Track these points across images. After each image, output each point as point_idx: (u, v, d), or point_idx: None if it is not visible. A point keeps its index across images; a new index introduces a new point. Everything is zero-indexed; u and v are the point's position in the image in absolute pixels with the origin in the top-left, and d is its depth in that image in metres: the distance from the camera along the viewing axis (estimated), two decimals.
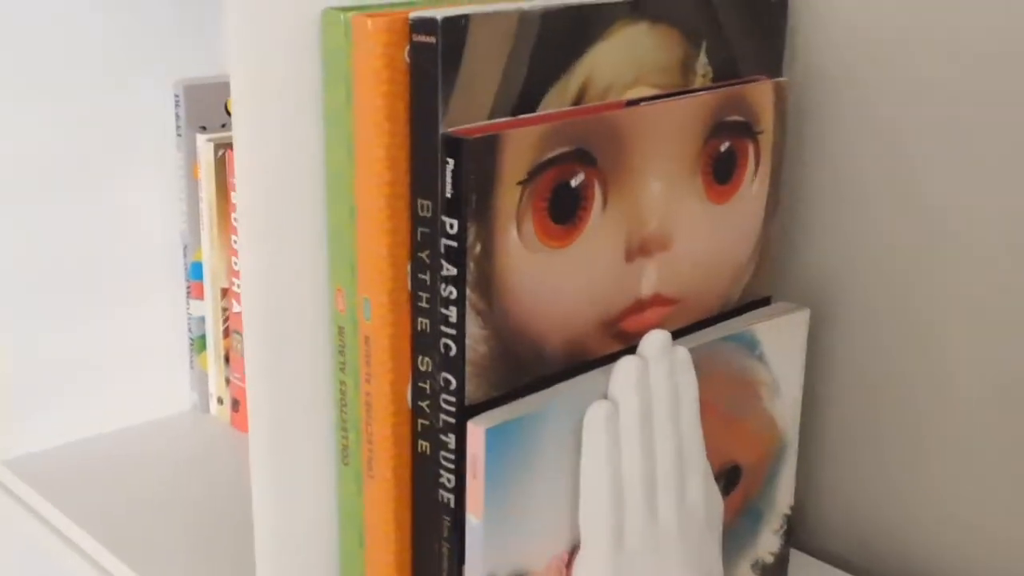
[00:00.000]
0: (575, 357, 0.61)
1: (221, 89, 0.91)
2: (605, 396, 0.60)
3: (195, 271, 0.94)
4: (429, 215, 0.55)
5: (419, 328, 0.57)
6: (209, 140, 0.89)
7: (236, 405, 0.94)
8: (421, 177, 0.55)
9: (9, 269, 0.87)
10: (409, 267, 0.57)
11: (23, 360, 0.89)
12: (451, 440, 0.57)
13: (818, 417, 0.80)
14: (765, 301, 0.72)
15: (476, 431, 0.56)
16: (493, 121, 0.56)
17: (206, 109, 0.91)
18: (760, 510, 0.72)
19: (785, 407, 0.71)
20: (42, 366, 0.90)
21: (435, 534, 0.59)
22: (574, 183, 0.58)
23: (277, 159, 0.56)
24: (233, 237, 0.90)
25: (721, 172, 0.65)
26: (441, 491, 0.58)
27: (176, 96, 0.90)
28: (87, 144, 0.88)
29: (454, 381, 0.56)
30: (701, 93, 0.63)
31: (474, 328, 0.55)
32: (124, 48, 0.88)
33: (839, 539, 0.81)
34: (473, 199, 0.54)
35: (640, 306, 0.63)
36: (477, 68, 0.54)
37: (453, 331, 0.55)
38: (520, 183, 0.55)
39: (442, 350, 0.56)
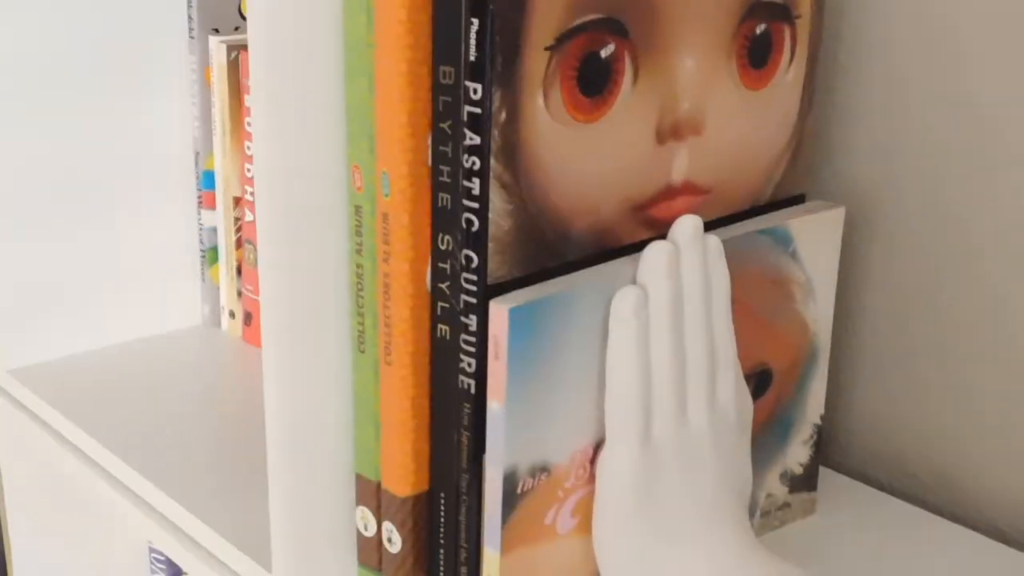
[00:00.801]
0: (603, 242, 0.59)
1: None
2: (634, 283, 0.58)
3: (207, 180, 0.92)
4: (451, 82, 0.52)
5: (440, 204, 0.54)
6: (222, 42, 0.87)
7: (248, 319, 0.92)
8: (443, 42, 0.52)
9: (22, 178, 0.85)
10: (430, 139, 0.54)
11: (33, 270, 0.87)
12: (472, 322, 0.54)
13: (851, 327, 0.78)
14: (799, 199, 0.69)
15: (499, 310, 0.53)
16: None
17: (219, 11, 0.89)
18: (791, 418, 0.70)
19: (818, 310, 0.69)
20: (51, 276, 0.88)
21: (454, 423, 0.56)
22: (604, 53, 0.55)
23: (294, 27, 0.53)
24: (247, 143, 0.88)
25: (757, 56, 0.63)
26: (461, 376, 0.56)
27: None
28: (98, 47, 0.86)
29: (476, 258, 0.54)
30: None
31: (498, 201, 0.53)
32: None
33: (869, 456, 0.79)
34: (498, 62, 0.51)
35: (671, 192, 0.61)
36: None
37: (476, 204, 0.53)
38: (548, 48, 0.53)
39: (464, 225, 0.53)
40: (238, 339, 0.93)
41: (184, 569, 0.70)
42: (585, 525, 0.60)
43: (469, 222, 0.53)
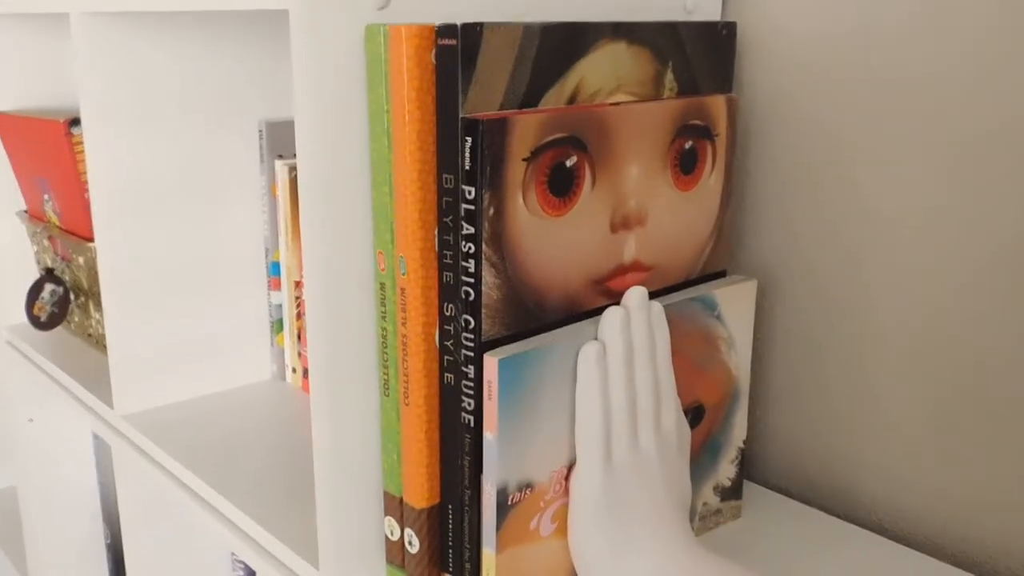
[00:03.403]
0: (572, 309, 0.56)
1: (291, 126, 0.88)
2: (596, 339, 0.56)
3: (274, 268, 0.90)
4: (452, 186, 0.51)
5: (444, 280, 0.52)
6: (284, 164, 0.85)
7: (307, 373, 0.89)
8: (445, 155, 0.51)
9: (142, 269, 0.83)
10: (436, 231, 0.52)
11: (145, 340, 0.85)
12: (471, 371, 0.52)
13: (767, 371, 0.75)
14: (722, 274, 0.67)
15: (491, 361, 0.51)
16: (503, 111, 0.51)
17: (283, 141, 0.88)
18: (720, 443, 0.67)
19: (739, 359, 0.67)
20: (158, 344, 0.86)
21: (458, 450, 0.54)
22: (568, 163, 0.53)
23: (333, 151, 0.52)
24: None
25: (686, 165, 0.61)
26: (463, 414, 0.53)
27: (260, 131, 0.87)
28: (197, 171, 0.85)
29: (473, 321, 0.51)
30: (669, 100, 0.59)
31: (488, 277, 0.51)
32: (223, 93, 0.85)
33: (784, 472, 0.76)
34: (487, 171, 0.49)
35: (623, 270, 0.59)
36: (490, 68, 0.50)
37: (471, 280, 0.51)
38: (525, 160, 0.51)
39: (463, 296, 0.51)
40: (299, 389, 0.91)
41: (257, 570, 0.67)
42: (562, 529, 0.57)
43: (467, 293, 0.51)
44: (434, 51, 0.50)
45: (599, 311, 0.58)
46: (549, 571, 0.57)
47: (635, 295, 0.57)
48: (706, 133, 0.62)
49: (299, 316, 0.89)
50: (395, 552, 0.59)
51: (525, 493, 0.54)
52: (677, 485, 0.60)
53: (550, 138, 0.52)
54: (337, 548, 0.58)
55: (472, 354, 0.52)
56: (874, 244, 0.67)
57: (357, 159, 0.53)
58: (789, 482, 0.75)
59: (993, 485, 0.63)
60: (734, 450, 0.69)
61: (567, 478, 0.57)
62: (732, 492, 0.69)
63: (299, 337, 0.89)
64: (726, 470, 0.68)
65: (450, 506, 0.55)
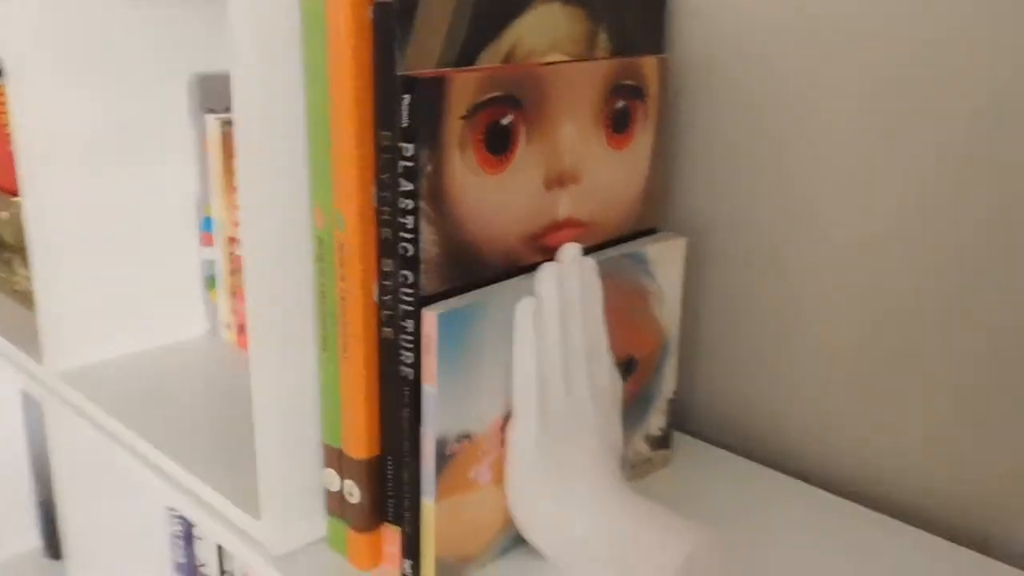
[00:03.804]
0: (509, 264, 0.58)
1: (225, 79, 0.87)
2: (531, 294, 0.57)
3: (206, 224, 0.89)
4: (389, 143, 0.51)
5: (383, 236, 0.53)
6: (216, 118, 0.85)
7: (242, 329, 0.89)
8: (383, 113, 0.51)
9: (70, 224, 0.82)
10: (374, 188, 0.53)
11: (79, 295, 0.84)
12: (410, 325, 0.53)
13: (696, 325, 0.78)
14: (652, 231, 0.69)
15: (429, 316, 0.52)
16: (440, 69, 0.52)
17: (214, 95, 0.86)
18: (651, 394, 0.70)
19: (669, 313, 0.69)
20: (92, 300, 0.85)
21: (398, 403, 0.55)
22: (504, 122, 0.54)
23: (268, 109, 0.52)
24: (236, 195, 0.86)
25: (618, 124, 0.62)
26: (402, 367, 0.54)
27: (190, 85, 0.85)
28: (125, 127, 0.83)
29: (411, 276, 0.52)
30: (603, 60, 0.60)
31: (427, 233, 0.52)
32: (152, 46, 0.83)
33: (713, 422, 0.79)
34: (425, 128, 0.50)
35: (557, 226, 0.60)
36: (427, 26, 0.51)
37: (410, 235, 0.52)
38: (462, 118, 0.52)
39: (401, 252, 0.52)
40: (234, 345, 0.91)
41: (198, 524, 0.67)
42: (499, 478, 0.59)
43: (405, 249, 0.52)
44: (371, 8, 0.50)
45: (534, 267, 0.59)
46: (486, 519, 0.59)
47: (569, 251, 0.58)
48: (638, 93, 0.63)
49: (233, 272, 0.89)
50: (335, 503, 0.60)
51: (463, 444, 0.56)
52: (609, 435, 0.62)
53: (487, 96, 0.53)
54: (278, 500, 0.59)
55: (411, 308, 0.53)
56: (795, 202, 0.69)
57: (294, 115, 0.53)
58: (717, 432, 0.78)
59: (915, 432, 0.67)
60: (664, 401, 0.71)
61: (503, 429, 0.58)
62: (662, 441, 0.72)
63: (234, 293, 0.89)
64: (656, 420, 0.71)
65: (389, 457, 0.57)
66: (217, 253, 0.89)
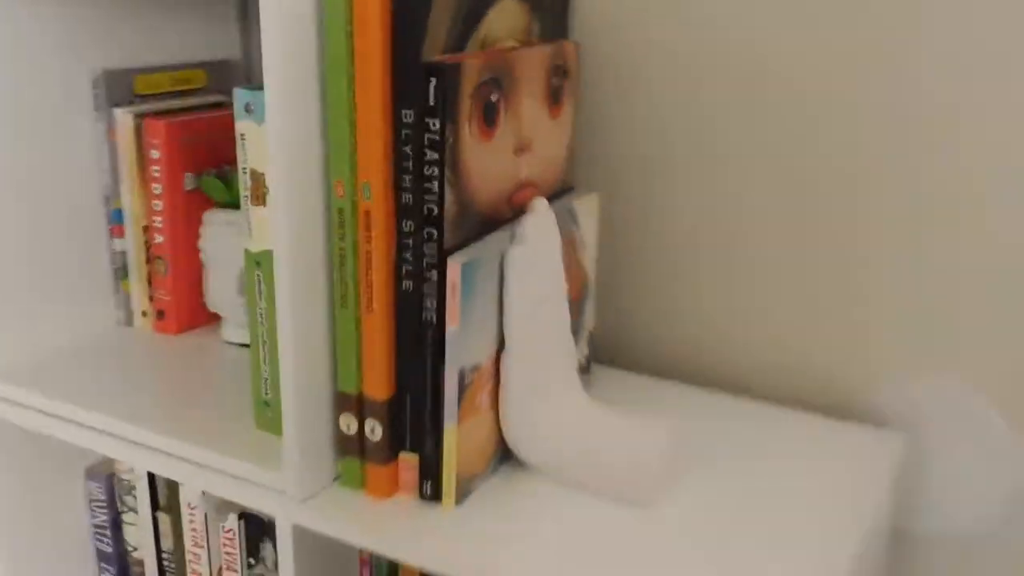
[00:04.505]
0: (491, 220, 0.68)
1: (128, 74, 0.89)
2: (511, 244, 0.68)
3: (116, 216, 0.91)
4: (411, 120, 0.60)
5: (403, 201, 0.62)
6: (128, 112, 0.87)
7: (161, 315, 0.92)
8: (404, 93, 0.60)
9: None
10: (394, 159, 0.61)
11: None
12: (433, 275, 0.62)
13: (613, 270, 0.91)
14: (570, 190, 0.81)
15: (454, 266, 0.61)
16: (457, 55, 0.61)
17: (118, 90, 0.88)
18: (577, 329, 0.82)
19: (589, 259, 0.81)
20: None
21: (421, 345, 0.64)
22: (493, 98, 0.64)
23: (296, 91, 0.59)
24: (154, 186, 0.88)
25: (555, 98, 0.74)
26: (425, 313, 0.63)
27: (95, 79, 0.87)
28: (27, 120, 0.83)
29: (435, 233, 0.61)
30: (545, 45, 0.72)
31: (448, 195, 0.61)
32: (55, 41, 0.84)
33: (630, 350, 0.92)
34: (448, 106, 0.59)
35: (520, 186, 0.71)
36: (437, 19, 0.60)
37: (435, 198, 0.61)
38: (470, 96, 0.61)
39: (426, 213, 0.61)
40: (150, 332, 0.93)
41: (222, 495, 0.71)
42: (494, 403, 0.69)
43: (430, 210, 0.61)
44: (392, 1, 0.58)
45: (506, 222, 0.70)
46: (485, 436, 0.69)
47: (541, 204, 0.69)
48: (565, 73, 0.75)
49: (149, 259, 0.91)
50: (351, 445, 0.67)
51: (474, 375, 0.65)
52: (575, 359, 0.74)
53: (484, 78, 0.62)
54: (298, 449, 0.66)
55: (435, 261, 0.62)
56: (679, 161, 0.84)
57: (315, 98, 0.60)
58: (630, 359, 0.92)
59: (782, 328, 0.84)
60: (586, 334, 0.84)
61: (498, 359, 0.68)
62: (585, 369, 0.84)
63: (149, 281, 0.92)
64: (581, 350, 0.83)
65: (408, 395, 0.65)
66: (129, 243, 0.91)
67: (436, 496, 0.66)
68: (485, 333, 0.66)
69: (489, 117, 0.64)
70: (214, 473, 0.71)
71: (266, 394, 0.73)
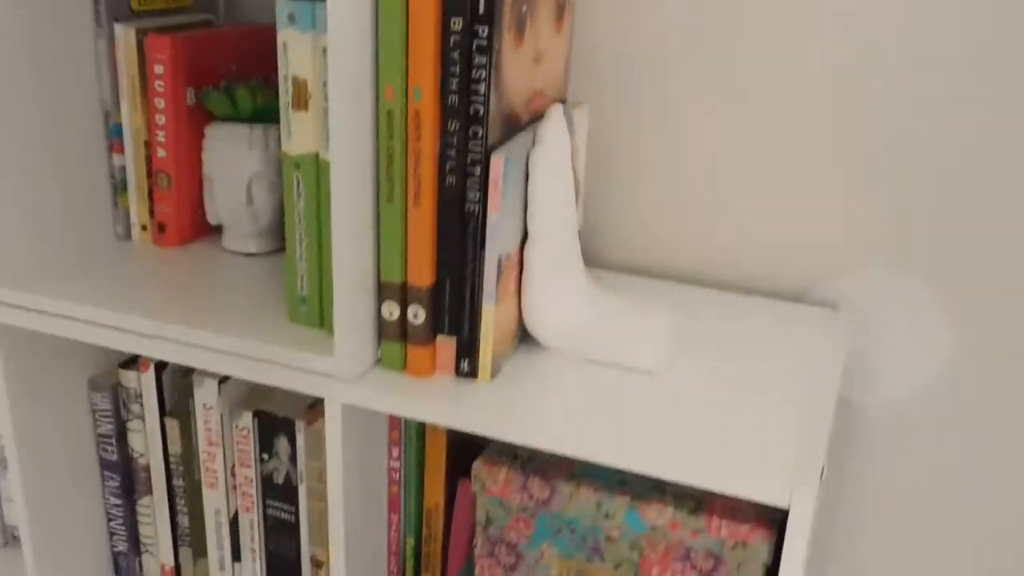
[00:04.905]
0: (516, 123, 0.75)
1: None
2: (534, 145, 0.75)
3: (115, 131, 0.93)
4: (460, 28, 0.66)
5: (449, 103, 0.68)
6: (128, 27, 0.89)
7: (162, 228, 0.95)
8: (453, 2, 0.65)
9: None
10: (442, 64, 0.67)
11: None
12: (477, 170, 0.69)
13: (603, 175, 0.99)
14: (563, 100, 0.88)
15: (498, 160, 0.68)
16: None
17: (117, 4, 0.90)
18: None
19: (580, 164, 0.89)
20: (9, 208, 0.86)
21: (464, 234, 0.70)
22: (523, 9, 0.71)
23: (352, 7, 0.64)
24: (157, 100, 0.91)
25: (559, 14, 0.81)
26: (469, 204, 0.70)
27: None
28: (27, 37, 0.84)
29: (481, 130, 0.68)
30: None
31: (492, 96, 0.68)
32: None
33: (623, 253, 1.01)
34: (495, 13, 0.65)
35: (536, 95, 0.78)
36: None
37: (481, 99, 0.67)
38: (510, 7, 0.68)
39: (472, 113, 0.68)
40: (150, 245, 0.96)
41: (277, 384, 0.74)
42: (518, 289, 0.77)
43: (476, 111, 0.67)
44: None
45: (527, 125, 0.77)
46: (509, 319, 0.77)
47: (559, 108, 0.76)
48: None
49: (150, 175, 0.94)
50: (393, 330, 0.74)
51: (508, 262, 0.73)
52: (579, 247, 0.82)
53: None
54: (348, 334, 0.72)
55: (479, 156, 0.68)
56: (667, 81, 0.92)
57: (370, 11, 0.66)
58: (617, 257, 1.01)
59: (753, 226, 0.94)
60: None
61: (522, 248, 0.76)
62: None
63: (150, 195, 0.95)
64: None
65: (447, 280, 0.72)
66: (128, 159, 0.94)
67: (472, 373, 0.74)
68: (513, 225, 0.73)
69: (520, 26, 0.71)
70: (257, 363, 0.77)
71: (302, 291, 0.78)
